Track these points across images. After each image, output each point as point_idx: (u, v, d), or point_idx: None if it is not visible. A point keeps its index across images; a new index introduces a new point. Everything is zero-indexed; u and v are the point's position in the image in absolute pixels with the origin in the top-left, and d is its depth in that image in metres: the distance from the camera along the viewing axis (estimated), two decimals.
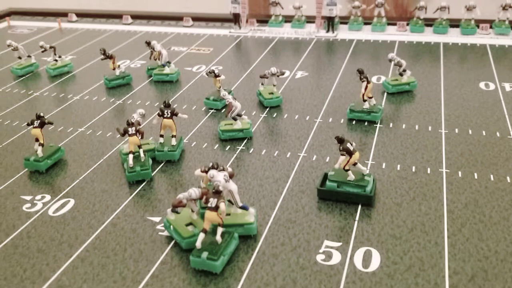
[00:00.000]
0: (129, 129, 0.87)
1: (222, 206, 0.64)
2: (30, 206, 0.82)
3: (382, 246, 0.68)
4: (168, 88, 1.29)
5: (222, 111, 1.13)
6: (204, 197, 0.66)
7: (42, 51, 1.43)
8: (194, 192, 0.67)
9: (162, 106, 0.94)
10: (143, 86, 1.31)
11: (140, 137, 0.88)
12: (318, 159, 0.91)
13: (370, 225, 0.72)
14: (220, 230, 0.65)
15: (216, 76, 1.14)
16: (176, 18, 1.92)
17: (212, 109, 1.14)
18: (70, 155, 0.98)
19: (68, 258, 0.70)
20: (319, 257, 0.66)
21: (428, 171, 0.85)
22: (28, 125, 0.94)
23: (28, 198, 0.85)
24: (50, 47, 1.41)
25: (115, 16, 1.99)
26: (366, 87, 1.01)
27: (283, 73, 1.16)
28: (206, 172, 0.73)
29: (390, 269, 0.64)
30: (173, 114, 0.93)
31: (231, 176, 0.70)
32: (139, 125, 0.93)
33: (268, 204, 0.78)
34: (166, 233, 0.73)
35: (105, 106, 1.20)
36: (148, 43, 1.38)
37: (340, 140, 0.76)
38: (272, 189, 0.82)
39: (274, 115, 1.09)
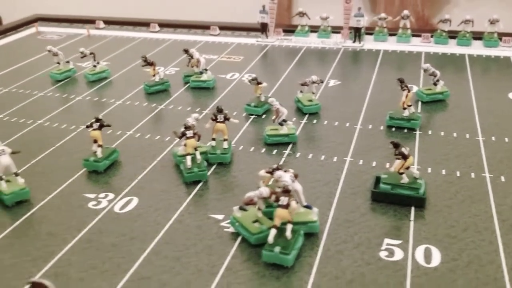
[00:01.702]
0: (187, 132, 0.92)
1: (293, 204, 0.68)
2: (95, 203, 0.87)
3: (440, 244, 0.72)
4: (205, 94, 1.34)
5: (263, 116, 1.18)
6: (274, 196, 0.70)
7: (82, 57, 1.48)
8: (265, 190, 0.71)
9: (215, 110, 0.98)
10: (180, 92, 1.36)
11: (197, 140, 0.92)
12: (365, 163, 0.95)
13: (425, 225, 0.76)
14: (290, 226, 0.69)
15: (258, 83, 1.18)
16: (203, 27, 1.97)
17: (252, 115, 1.19)
18: (123, 157, 1.02)
19: (142, 252, 0.74)
20: (382, 254, 0.71)
21: (472, 176, 0.89)
22: (87, 127, 0.99)
23: (91, 196, 0.89)
24: (90, 53, 1.46)
25: (142, 24, 2.04)
26: (407, 95, 1.06)
27: (322, 81, 1.21)
28: (271, 173, 0.77)
29: (451, 264, 0.68)
30: (226, 118, 0.97)
31: (295, 177, 0.75)
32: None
33: (324, 205, 0.83)
34: (231, 229, 0.77)
35: (148, 111, 1.24)
36: (186, 51, 1.43)
37: (396, 145, 0.81)
38: (325, 191, 0.87)
39: (314, 122, 1.14)
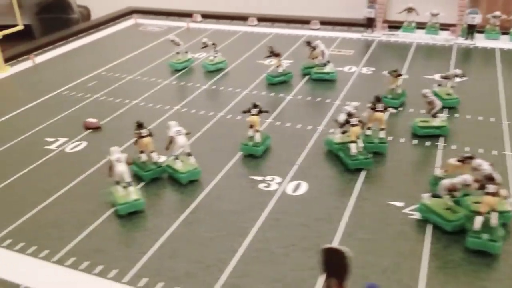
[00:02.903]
0: (351, 119, 0.93)
1: (504, 192, 0.68)
2: (266, 185, 0.89)
3: None
4: (328, 86, 1.35)
5: (399, 109, 1.18)
6: (476, 184, 0.70)
7: (202, 47, 1.52)
8: (469, 178, 0.72)
9: (374, 100, 0.99)
10: (302, 84, 1.37)
11: (361, 128, 0.93)
12: None
13: None
14: (495, 214, 0.69)
15: (398, 75, 1.19)
16: (302, 21, 1.98)
17: (389, 107, 1.18)
18: (274, 143, 1.04)
19: (333, 232, 0.75)
20: None
21: None
22: (244, 112, 1.01)
23: (259, 178, 0.91)
24: (212, 44, 1.50)
25: (240, 18, 2.07)
26: None
27: (464, 75, 1.20)
28: (462, 161, 0.77)
29: None
30: (385, 108, 0.98)
31: (491, 166, 0.74)
32: None
33: None
34: (416, 216, 0.78)
35: (276, 101, 1.26)
36: (309, 43, 1.44)
37: None
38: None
39: (456, 116, 1.13)
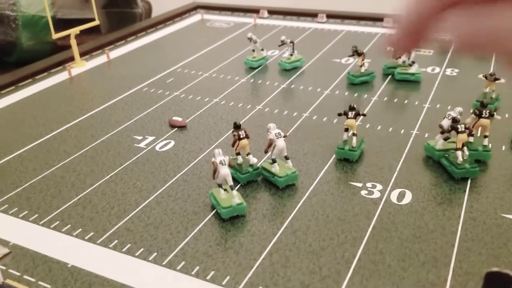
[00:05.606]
0: (458, 126, 0.88)
1: None
2: (367, 193, 0.86)
3: None
4: (413, 87, 1.30)
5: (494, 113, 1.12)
6: None
7: (280, 45, 1.49)
8: None
9: (479, 106, 0.94)
10: (385, 84, 1.33)
11: (468, 135, 0.88)
12: None
13: None
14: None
15: (496, 79, 1.13)
16: (374, 19, 1.92)
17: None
18: (367, 147, 1.00)
19: (450, 246, 0.72)
20: None
21: None
22: (339, 115, 0.98)
23: (359, 185, 0.88)
24: (290, 42, 1.47)
25: (308, 15, 2.04)
26: None
27: None
28: None
29: None
30: (492, 115, 0.93)
31: None
32: None
33: None
34: None
35: (363, 102, 1.22)
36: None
37: None
38: None
39: None
